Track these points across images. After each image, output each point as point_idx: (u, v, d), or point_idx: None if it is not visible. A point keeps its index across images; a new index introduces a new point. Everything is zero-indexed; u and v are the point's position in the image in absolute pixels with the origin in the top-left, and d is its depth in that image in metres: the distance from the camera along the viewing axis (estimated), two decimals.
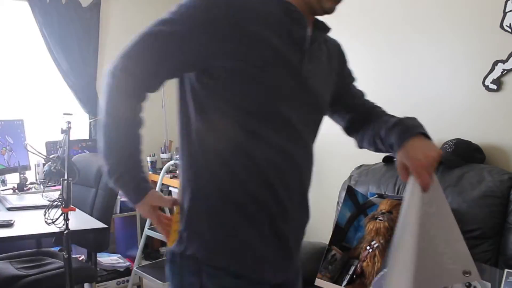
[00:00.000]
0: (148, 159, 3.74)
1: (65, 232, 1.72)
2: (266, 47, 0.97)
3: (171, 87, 1.08)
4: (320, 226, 2.90)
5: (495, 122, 1.95)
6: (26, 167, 2.99)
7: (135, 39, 0.97)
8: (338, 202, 2.26)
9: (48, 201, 1.95)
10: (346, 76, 1.27)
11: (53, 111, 3.68)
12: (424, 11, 2.18)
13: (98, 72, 3.87)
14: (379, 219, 1.81)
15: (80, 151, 3.41)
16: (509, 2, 1.86)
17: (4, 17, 3.53)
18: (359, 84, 1.31)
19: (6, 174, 2.94)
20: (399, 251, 1.09)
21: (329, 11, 1.04)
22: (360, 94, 1.31)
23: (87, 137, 3.85)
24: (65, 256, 1.75)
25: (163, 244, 3.71)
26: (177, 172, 1.66)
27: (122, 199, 3.31)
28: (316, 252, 2.09)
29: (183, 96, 1.03)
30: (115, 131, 0.99)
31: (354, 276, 1.84)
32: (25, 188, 2.97)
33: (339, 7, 1.05)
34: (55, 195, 1.94)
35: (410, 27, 2.26)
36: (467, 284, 1.63)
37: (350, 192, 2.05)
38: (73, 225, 1.82)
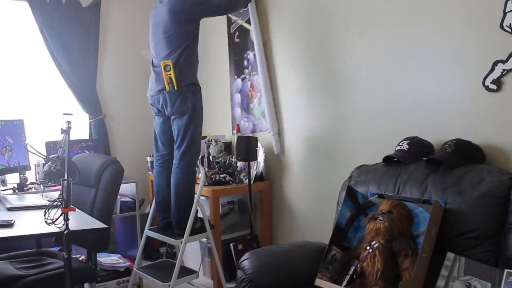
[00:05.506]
0: (148, 159, 3.74)
1: (65, 232, 1.72)
2: None
3: None
4: (320, 226, 2.90)
5: (495, 122, 1.95)
6: (26, 167, 2.99)
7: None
8: (338, 202, 2.26)
9: (48, 201, 1.95)
10: None
11: (53, 111, 3.69)
12: (424, 11, 2.18)
13: (98, 72, 3.87)
14: (379, 219, 1.81)
15: (80, 151, 3.41)
16: (509, 2, 1.86)
17: (4, 17, 3.53)
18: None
19: (6, 174, 2.94)
20: None
21: None
22: None
23: (87, 137, 3.86)
24: (65, 256, 1.75)
25: (163, 244, 3.72)
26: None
27: (122, 199, 3.31)
28: (316, 252, 2.08)
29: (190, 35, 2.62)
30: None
31: (354, 276, 1.84)
32: (25, 188, 2.97)
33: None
34: (55, 195, 1.94)
35: (409, 27, 2.26)
36: (467, 284, 1.63)
37: (350, 192, 2.05)
38: (73, 225, 1.81)
